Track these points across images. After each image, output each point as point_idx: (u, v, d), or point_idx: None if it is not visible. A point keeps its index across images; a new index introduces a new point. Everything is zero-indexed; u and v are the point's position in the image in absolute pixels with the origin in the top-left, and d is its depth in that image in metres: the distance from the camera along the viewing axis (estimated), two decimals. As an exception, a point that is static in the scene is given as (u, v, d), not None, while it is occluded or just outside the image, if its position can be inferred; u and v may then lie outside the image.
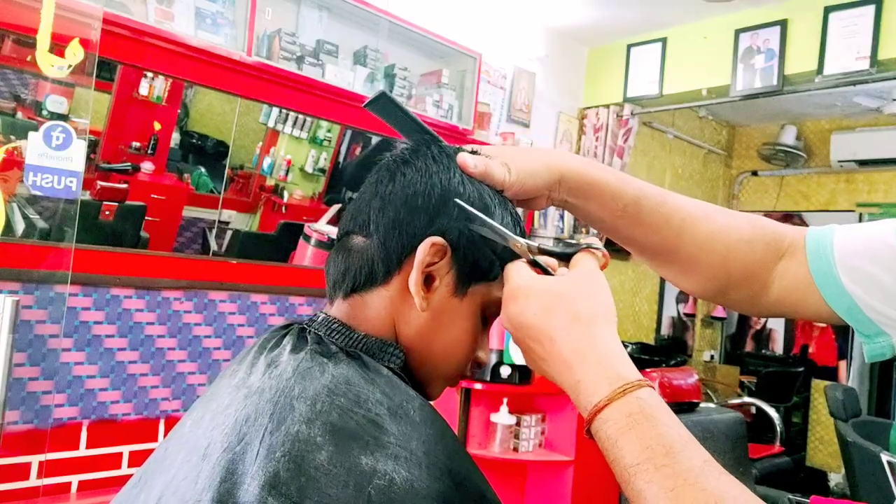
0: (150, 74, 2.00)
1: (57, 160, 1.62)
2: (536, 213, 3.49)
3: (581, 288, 0.57)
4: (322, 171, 2.53)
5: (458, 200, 0.61)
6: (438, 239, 0.60)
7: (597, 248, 0.61)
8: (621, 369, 0.52)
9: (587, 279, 0.58)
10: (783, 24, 3.07)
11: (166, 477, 0.55)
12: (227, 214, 2.27)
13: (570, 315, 0.55)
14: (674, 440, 0.47)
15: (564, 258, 0.61)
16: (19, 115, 1.73)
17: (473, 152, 0.65)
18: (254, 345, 0.63)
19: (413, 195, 0.61)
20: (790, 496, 2.73)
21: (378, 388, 0.56)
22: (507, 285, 0.60)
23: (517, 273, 0.60)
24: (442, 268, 0.61)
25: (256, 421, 0.52)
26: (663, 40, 3.53)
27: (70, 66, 1.61)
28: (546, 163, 0.67)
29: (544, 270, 0.61)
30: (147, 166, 2.07)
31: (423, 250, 0.59)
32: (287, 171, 2.42)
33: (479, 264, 0.63)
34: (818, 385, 4.69)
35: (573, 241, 0.64)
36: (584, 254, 0.60)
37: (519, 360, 2.70)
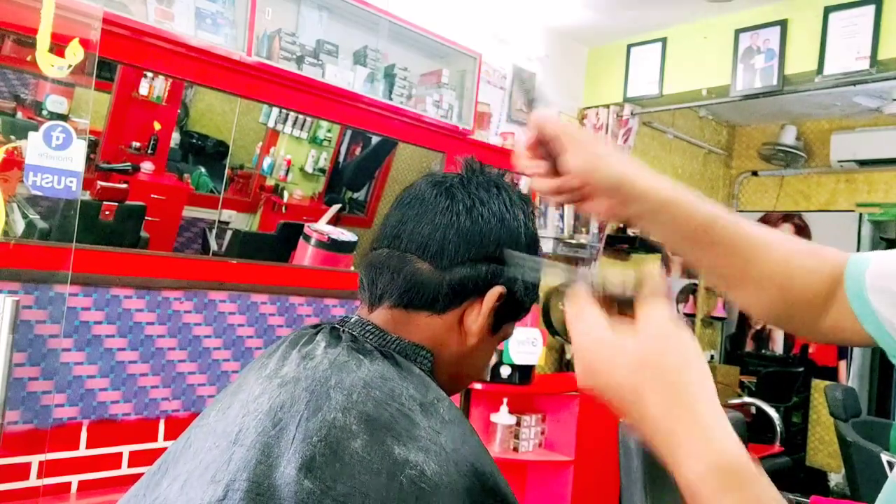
0: (150, 74, 2.00)
1: (57, 160, 1.62)
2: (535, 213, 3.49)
3: (668, 357, 0.50)
4: (322, 171, 2.53)
5: (528, 261, 0.65)
6: (504, 290, 0.65)
7: (659, 285, 0.52)
8: (722, 451, 0.50)
9: (674, 343, 0.50)
10: (783, 24, 3.07)
11: (192, 463, 0.56)
12: (227, 214, 2.27)
13: (669, 393, 0.49)
14: None
15: (626, 303, 0.53)
16: (19, 115, 1.73)
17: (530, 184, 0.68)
18: (283, 340, 0.65)
19: (489, 242, 0.65)
20: (790, 496, 2.73)
21: (411, 384, 0.59)
22: (577, 346, 0.52)
23: (580, 330, 0.52)
24: (493, 309, 0.66)
25: (292, 407, 0.54)
26: (663, 40, 3.53)
27: (70, 66, 1.61)
28: (619, 171, 0.66)
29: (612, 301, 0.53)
30: (147, 166, 2.07)
31: (491, 298, 0.65)
32: (287, 171, 2.43)
33: (517, 309, 0.69)
34: (818, 385, 4.68)
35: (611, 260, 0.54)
36: (652, 306, 0.51)
37: (518, 360, 2.70)
